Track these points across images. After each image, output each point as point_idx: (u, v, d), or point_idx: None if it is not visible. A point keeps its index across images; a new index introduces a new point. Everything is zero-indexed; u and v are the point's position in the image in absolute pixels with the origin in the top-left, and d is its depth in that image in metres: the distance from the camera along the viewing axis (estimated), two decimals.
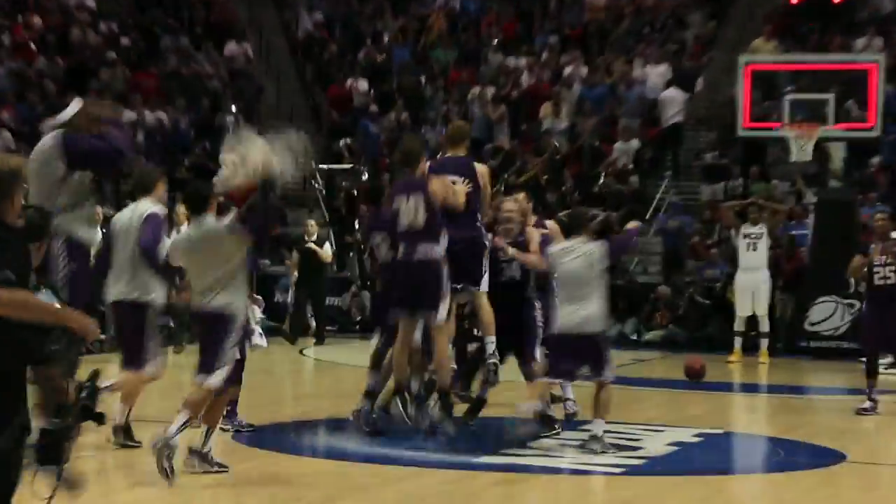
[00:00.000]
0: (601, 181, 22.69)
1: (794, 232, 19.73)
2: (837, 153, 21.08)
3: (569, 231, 10.04)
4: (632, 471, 9.29)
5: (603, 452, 9.48)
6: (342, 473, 9.15)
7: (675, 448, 10.13)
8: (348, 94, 25.72)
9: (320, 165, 23.63)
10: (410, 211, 9.68)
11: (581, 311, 9.49)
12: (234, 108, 24.64)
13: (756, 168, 21.88)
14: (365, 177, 23.03)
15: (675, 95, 23.83)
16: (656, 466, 9.44)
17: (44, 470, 5.54)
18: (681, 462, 9.75)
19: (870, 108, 19.67)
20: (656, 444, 10.29)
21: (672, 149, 23.99)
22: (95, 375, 5.79)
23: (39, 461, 5.58)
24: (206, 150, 23.57)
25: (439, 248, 9.62)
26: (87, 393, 5.70)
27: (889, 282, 12.18)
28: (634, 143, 23.30)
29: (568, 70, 25.14)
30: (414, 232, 9.68)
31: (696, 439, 10.77)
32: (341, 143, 24.51)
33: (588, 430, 9.74)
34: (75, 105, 8.52)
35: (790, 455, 10.24)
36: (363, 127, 24.73)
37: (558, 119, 23.89)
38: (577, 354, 9.57)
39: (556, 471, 9.29)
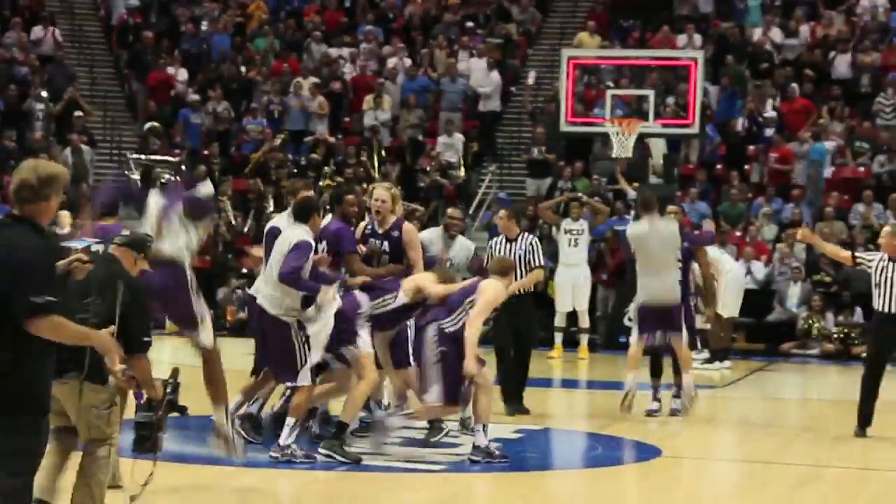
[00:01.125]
0: (426, 176, 22.82)
1: (616, 227, 20.12)
2: (658, 149, 21.58)
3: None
4: (452, 468, 9.39)
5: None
6: None
7: (495, 444, 10.26)
8: (167, 82, 25.33)
9: (138, 156, 23.20)
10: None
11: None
12: (43, 94, 24.04)
13: (579, 163, 22.29)
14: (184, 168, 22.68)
15: (496, 87, 24.19)
16: (476, 463, 9.57)
17: (141, 458, 6.69)
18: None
19: (689, 104, 20.26)
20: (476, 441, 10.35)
21: (493, 141, 24.33)
22: (176, 373, 6.74)
23: (136, 451, 6.75)
24: (14, 136, 23.09)
25: None
26: (172, 388, 6.63)
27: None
28: (458, 137, 23.51)
29: (391, 62, 25.25)
30: None
31: (516, 435, 10.92)
32: (145, 127, 24.00)
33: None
34: None
35: (608, 450, 10.49)
36: (183, 117, 24.40)
37: (381, 111, 23.97)
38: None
39: (375, 469, 9.33)
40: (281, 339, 9.09)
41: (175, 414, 6.73)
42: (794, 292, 20.00)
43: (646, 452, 10.28)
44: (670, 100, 21.95)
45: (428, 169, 22.72)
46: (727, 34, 24.30)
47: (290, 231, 9.20)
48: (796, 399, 16.36)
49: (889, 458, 10.40)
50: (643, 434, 11.07)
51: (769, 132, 22.52)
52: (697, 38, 23.90)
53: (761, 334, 20.02)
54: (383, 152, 23.27)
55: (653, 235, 11.88)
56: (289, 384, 9.31)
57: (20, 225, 5.09)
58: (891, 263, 10.92)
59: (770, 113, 22.82)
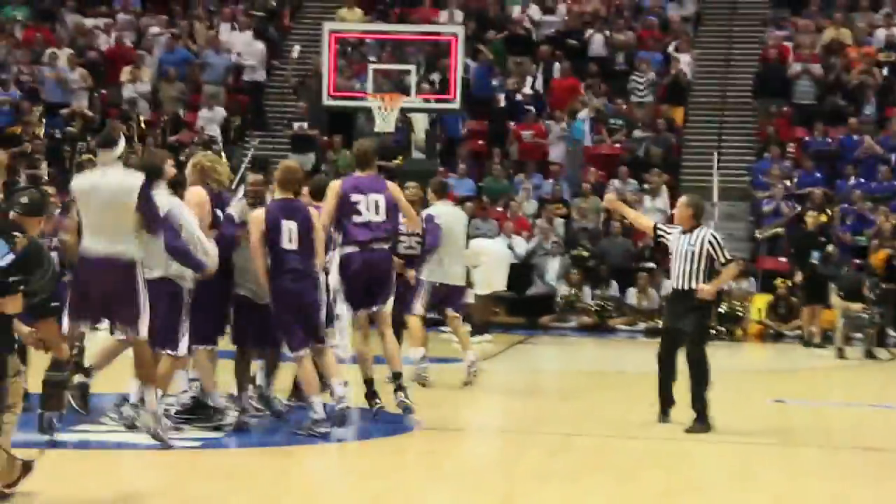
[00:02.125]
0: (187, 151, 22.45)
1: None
2: (420, 124, 21.79)
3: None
4: (209, 444, 9.32)
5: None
6: None
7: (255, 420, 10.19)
8: None
9: None
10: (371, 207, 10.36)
11: None
12: None
13: (340, 138, 22.26)
14: None
15: (260, 58, 24.04)
16: (234, 440, 9.49)
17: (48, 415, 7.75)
18: (259, 435, 9.84)
19: (450, 80, 20.52)
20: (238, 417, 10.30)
21: (260, 115, 24.14)
22: (82, 336, 7.66)
23: (44, 408, 7.79)
24: None
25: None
26: (78, 350, 7.52)
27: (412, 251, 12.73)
28: (220, 111, 23.22)
29: (151, 32, 24.77)
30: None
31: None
32: None
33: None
34: None
35: (364, 423, 10.53)
36: None
37: (140, 83, 23.49)
38: None
39: (130, 446, 9.16)
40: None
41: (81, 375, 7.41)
42: (552, 267, 20.50)
43: (401, 425, 10.36)
44: (434, 76, 22.15)
45: (191, 143, 22.38)
46: (487, 10, 24.68)
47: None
48: (554, 370, 16.79)
49: (643, 425, 10.74)
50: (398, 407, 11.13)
51: (530, 109, 23.03)
52: (458, 14, 24.18)
53: (522, 308, 20.46)
54: (143, 125, 22.82)
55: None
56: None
57: None
58: (683, 237, 10.59)
59: (528, 91, 23.35)
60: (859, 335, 17.56)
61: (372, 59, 22.42)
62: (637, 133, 22.48)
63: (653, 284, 19.64)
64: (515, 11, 24.80)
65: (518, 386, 14.30)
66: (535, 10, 24.79)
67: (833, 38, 23.61)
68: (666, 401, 10.62)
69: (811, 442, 10.58)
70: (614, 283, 20.07)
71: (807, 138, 22.29)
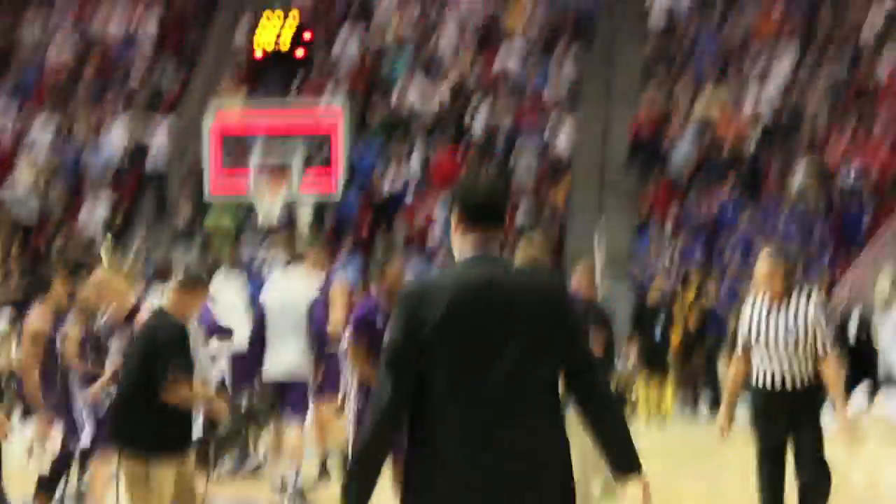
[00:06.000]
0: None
1: None
2: (306, 213, 22.06)
3: None
4: None
5: None
6: None
7: None
8: None
9: None
10: None
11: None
12: None
13: None
14: None
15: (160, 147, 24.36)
16: None
17: None
18: None
19: (331, 172, 20.89)
20: None
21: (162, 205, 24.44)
22: None
23: None
24: None
25: None
26: None
27: None
28: (102, 210, 23.43)
29: (33, 129, 24.97)
30: None
31: None
32: None
33: None
34: None
35: None
36: None
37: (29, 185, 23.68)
38: None
39: None
40: None
41: None
42: None
43: None
44: (315, 165, 22.48)
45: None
46: (372, 97, 25.21)
47: None
48: None
49: None
50: None
51: (412, 191, 23.57)
52: (339, 97, 24.57)
53: None
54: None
55: None
56: None
57: None
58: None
59: (413, 172, 23.86)
60: None
61: (254, 153, 22.68)
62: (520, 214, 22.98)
63: None
64: (395, 96, 25.27)
65: None
66: (414, 93, 25.28)
67: (706, 113, 24.41)
68: None
69: None
70: None
71: (683, 210, 23.00)
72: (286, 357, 11.20)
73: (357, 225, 23.40)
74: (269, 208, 20.52)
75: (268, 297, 11.47)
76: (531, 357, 4.45)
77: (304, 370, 11.30)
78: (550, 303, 4.51)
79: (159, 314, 8.23)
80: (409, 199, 23.45)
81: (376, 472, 4.40)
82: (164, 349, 7.92)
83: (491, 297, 4.46)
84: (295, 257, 12.22)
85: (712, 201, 22.91)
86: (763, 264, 8.55)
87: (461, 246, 4.58)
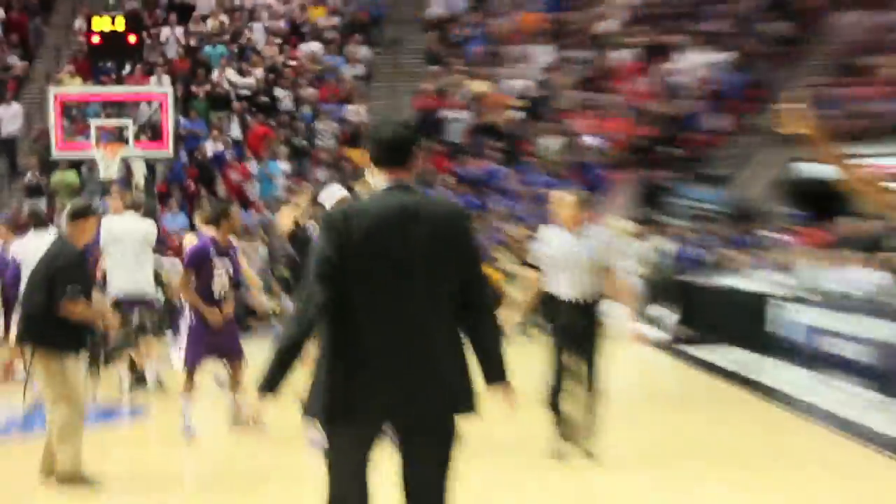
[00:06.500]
0: None
1: None
2: (139, 170, 24.80)
3: None
4: None
5: None
6: None
7: None
8: None
9: None
10: None
11: None
12: None
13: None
14: None
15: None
16: None
17: None
18: None
19: (163, 132, 23.50)
20: None
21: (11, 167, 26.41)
22: None
23: None
24: None
25: None
26: None
27: None
28: None
29: None
30: None
31: None
32: None
33: None
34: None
35: None
36: None
37: None
38: None
39: None
40: None
41: None
42: None
43: None
44: (147, 128, 25.18)
45: None
46: (193, 75, 28.00)
47: None
48: None
49: None
50: None
51: (231, 154, 26.10)
52: (166, 79, 27.59)
53: None
54: None
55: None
56: None
57: None
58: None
59: (233, 138, 26.44)
60: None
61: (94, 117, 25.29)
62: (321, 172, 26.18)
63: None
64: (215, 75, 27.96)
65: None
66: (232, 73, 28.01)
67: (477, 89, 27.21)
68: None
69: None
70: None
71: (458, 170, 25.69)
72: (134, 279, 13.02)
73: (185, 181, 25.76)
74: (108, 165, 22.39)
75: (107, 233, 12.90)
76: (436, 269, 4.73)
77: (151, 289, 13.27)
78: (452, 224, 4.80)
79: (59, 241, 8.71)
80: (228, 160, 25.88)
81: (293, 361, 4.65)
82: (62, 272, 8.39)
83: (403, 218, 4.72)
84: (130, 206, 13.57)
85: (482, 163, 25.48)
86: (563, 202, 9.24)
87: (377, 179, 4.88)
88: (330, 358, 4.68)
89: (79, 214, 8.71)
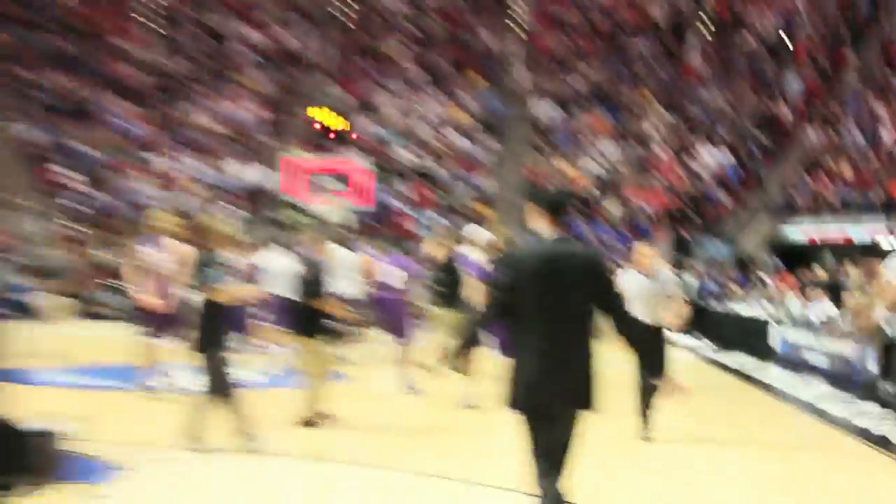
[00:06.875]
0: None
1: None
2: None
3: None
4: None
5: None
6: None
7: None
8: None
9: None
10: None
11: None
12: None
13: None
14: None
15: None
16: None
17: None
18: None
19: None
20: None
21: None
22: None
23: None
24: None
25: None
26: None
27: None
28: None
29: None
30: None
31: None
32: None
33: None
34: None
35: None
36: None
37: None
38: None
39: None
40: None
41: None
42: None
43: None
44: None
45: None
46: None
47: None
48: None
49: None
50: None
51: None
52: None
53: None
54: None
55: None
56: None
57: None
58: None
59: None
60: None
61: None
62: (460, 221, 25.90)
63: None
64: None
65: None
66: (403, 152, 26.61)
67: (566, 170, 26.35)
68: None
69: None
70: None
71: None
72: None
73: None
74: None
75: None
76: (577, 297, 4.56)
77: None
78: (593, 264, 4.61)
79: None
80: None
81: (476, 333, 4.67)
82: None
83: (555, 261, 4.54)
84: None
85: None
86: (642, 250, 8.46)
87: (539, 228, 4.60)
88: (513, 366, 4.66)
89: None
